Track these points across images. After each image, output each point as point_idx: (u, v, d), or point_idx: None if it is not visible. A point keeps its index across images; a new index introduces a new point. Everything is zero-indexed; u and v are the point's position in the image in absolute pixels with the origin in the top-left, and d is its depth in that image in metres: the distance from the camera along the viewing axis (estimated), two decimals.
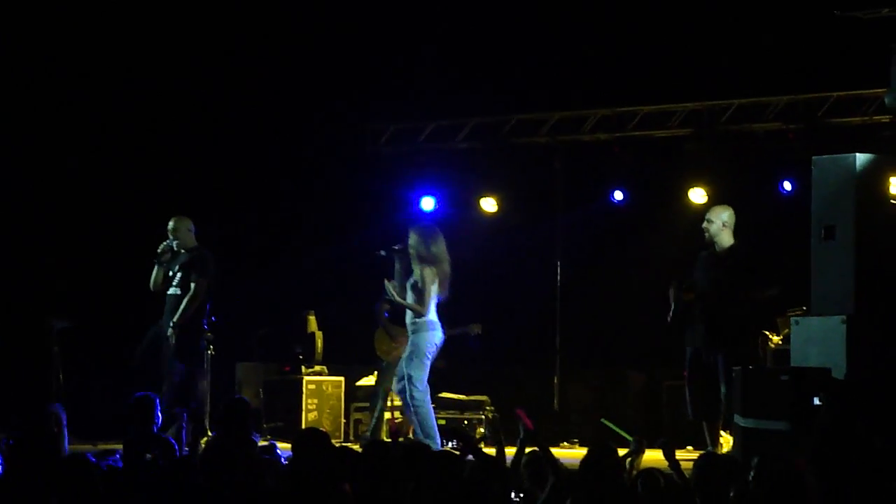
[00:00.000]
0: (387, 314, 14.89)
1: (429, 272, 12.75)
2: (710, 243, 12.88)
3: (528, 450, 8.08)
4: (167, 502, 6.63)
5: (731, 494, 6.72)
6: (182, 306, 12.97)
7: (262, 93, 16.32)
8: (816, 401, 10.89)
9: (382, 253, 13.08)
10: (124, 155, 15.96)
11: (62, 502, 6.34)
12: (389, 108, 16.86)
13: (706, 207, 14.90)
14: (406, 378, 12.71)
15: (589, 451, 7.53)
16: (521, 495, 7.45)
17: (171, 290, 13.15)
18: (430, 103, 16.64)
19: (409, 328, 12.90)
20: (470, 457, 7.88)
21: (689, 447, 13.50)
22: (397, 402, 14.95)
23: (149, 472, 7.11)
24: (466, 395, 15.59)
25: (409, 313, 12.86)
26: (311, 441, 7.54)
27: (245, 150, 16.39)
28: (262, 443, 12.19)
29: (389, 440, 11.78)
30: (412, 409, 12.73)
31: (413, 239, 12.86)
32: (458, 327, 14.77)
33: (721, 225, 12.78)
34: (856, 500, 6.39)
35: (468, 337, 14.79)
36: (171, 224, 13.25)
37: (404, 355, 12.95)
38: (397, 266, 12.97)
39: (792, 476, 6.14)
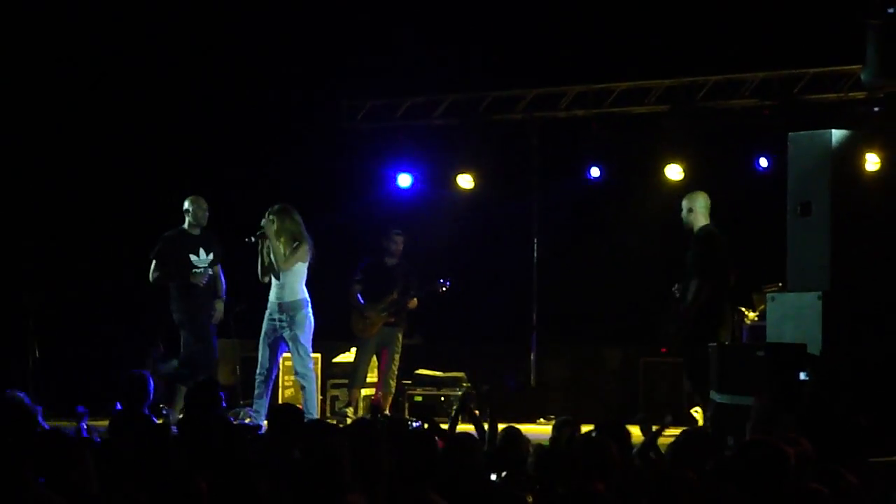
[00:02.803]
0: (359, 294, 14.85)
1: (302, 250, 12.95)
2: (689, 228, 12.73)
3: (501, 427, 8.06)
4: (147, 477, 6.61)
5: (707, 468, 6.72)
6: (223, 285, 13.38)
7: (238, 69, 16.23)
8: (803, 375, 10.92)
9: (252, 239, 13.08)
10: (96, 131, 15.86)
11: (45, 476, 6.29)
12: (365, 85, 16.80)
13: (683, 184, 14.94)
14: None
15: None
16: (502, 474, 7.40)
17: (210, 270, 13.24)
18: (406, 80, 16.58)
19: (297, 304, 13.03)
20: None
21: None
22: (371, 379, 14.96)
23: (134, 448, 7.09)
24: (443, 371, 15.60)
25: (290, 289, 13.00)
26: (285, 417, 7.56)
27: (220, 128, 16.30)
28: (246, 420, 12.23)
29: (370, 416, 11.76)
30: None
31: (278, 219, 12.94)
32: (426, 287, 14.77)
33: (688, 210, 12.58)
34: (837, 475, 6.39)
35: (436, 294, 14.80)
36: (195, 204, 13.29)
37: (296, 332, 12.99)
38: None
39: (773, 450, 6.13)
